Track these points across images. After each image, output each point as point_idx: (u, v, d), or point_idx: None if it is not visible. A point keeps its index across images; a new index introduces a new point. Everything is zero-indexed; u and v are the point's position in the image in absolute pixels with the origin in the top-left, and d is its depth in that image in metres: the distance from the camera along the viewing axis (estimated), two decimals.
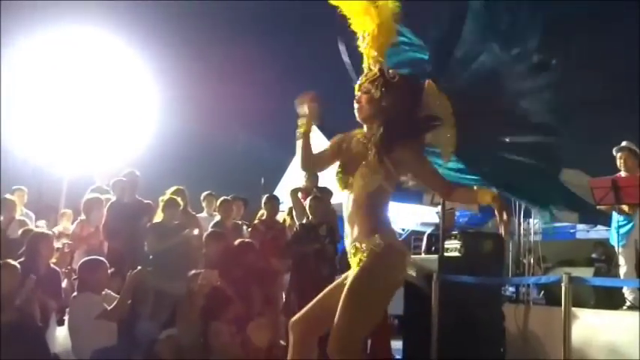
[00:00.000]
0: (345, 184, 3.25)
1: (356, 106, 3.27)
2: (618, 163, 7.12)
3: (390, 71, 3.23)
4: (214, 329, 5.63)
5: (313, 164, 3.50)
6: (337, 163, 3.35)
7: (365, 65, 3.33)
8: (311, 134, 3.42)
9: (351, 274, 3.19)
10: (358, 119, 3.31)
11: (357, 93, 3.28)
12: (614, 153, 7.20)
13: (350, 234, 3.24)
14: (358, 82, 3.30)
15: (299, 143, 3.42)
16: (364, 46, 3.30)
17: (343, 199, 3.31)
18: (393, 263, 3.17)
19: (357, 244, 3.17)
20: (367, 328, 3.26)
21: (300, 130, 3.38)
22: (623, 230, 6.98)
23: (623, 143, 7.18)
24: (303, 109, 3.37)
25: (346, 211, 3.27)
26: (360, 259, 3.14)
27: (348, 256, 3.27)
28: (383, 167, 3.16)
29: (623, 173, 7.07)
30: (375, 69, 3.25)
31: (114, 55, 11.88)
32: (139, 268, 5.78)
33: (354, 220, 3.22)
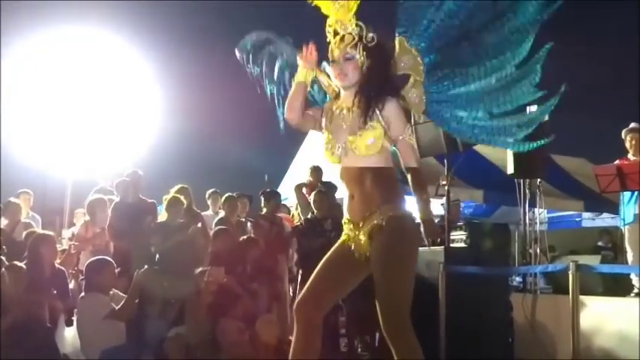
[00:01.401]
0: (340, 155, 3.19)
1: (340, 75, 3.20)
2: (628, 145, 7.09)
3: (369, 35, 3.18)
4: (222, 326, 5.64)
5: (298, 117, 3.27)
6: (325, 136, 3.26)
7: (331, 30, 3.23)
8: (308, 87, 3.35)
9: (362, 246, 3.13)
10: (342, 87, 3.24)
11: (338, 61, 3.19)
12: (622, 135, 7.16)
13: (354, 203, 3.17)
14: (335, 50, 3.20)
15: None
16: (336, 9, 3.18)
17: (343, 169, 3.25)
18: (414, 229, 3.15)
19: (367, 213, 3.11)
20: (410, 300, 3.19)
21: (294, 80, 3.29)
22: (629, 206, 6.95)
23: (633, 125, 7.15)
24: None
25: (348, 181, 3.20)
26: (374, 229, 3.08)
27: (347, 227, 3.21)
28: (379, 125, 3.13)
29: (631, 155, 7.05)
30: (353, 33, 3.17)
31: (116, 55, 11.88)
32: (146, 267, 5.79)
33: (359, 188, 3.15)
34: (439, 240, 3.34)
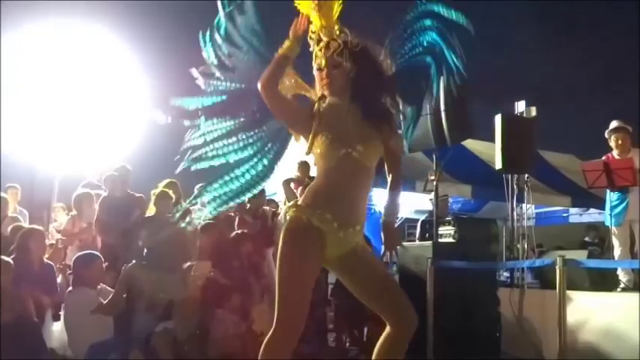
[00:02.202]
0: (341, 158, 3.04)
1: (325, 81, 3.12)
2: (613, 145, 7.12)
3: (354, 41, 3.13)
4: (218, 317, 5.63)
5: (273, 90, 3.08)
6: (326, 136, 3.06)
7: (314, 36, 3.16)
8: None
9: (343, 247, 3.04)
10: (327, 93, 3.15)
11: (322, 68, 3.12)
12: (606, 135, 7.20)
13: (354, 212, 3.07)
14: (320, 57, 3.13)
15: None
16: (315, 14, 3.12)
17: (343, 172, 3.05)
18: None
19: (361, 217, 3.09)
20: None
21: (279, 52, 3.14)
22: (617, 210, 7.00)
23: (615, 124, 7.18)
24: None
25: (352, 185, 3.06)
26: (356, 247, 3.08)
27: (331, 227, 2.99)
28: (380, 138, 3.11)
29: (616, 153, 7.08)
30: (338, 40, 3.11)
31: (105, 50, 11.78)
32: (133, 262, 5.77)
33: (360, 197, 3.11)
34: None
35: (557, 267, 5.06)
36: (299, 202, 3.05)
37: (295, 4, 3.17)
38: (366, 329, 7.07)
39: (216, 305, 5.73)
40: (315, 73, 3.19)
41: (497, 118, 7.35)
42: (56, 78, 11.35)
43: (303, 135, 3.17)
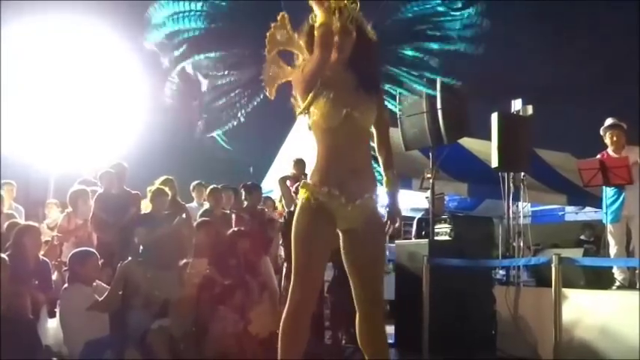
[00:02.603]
0: (347, 115, 3.08)
1: (338, 48, 3.14)
2: (608, 142, 7.14)
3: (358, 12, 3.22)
4: (219, 315, 5.63)
5: (329, 57, 3.07)
6: (328, 97, 3.08)
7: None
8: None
9: (351, 221, 3.08)
10: (334, 57, 3.13)
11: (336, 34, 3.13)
12: (601, 132, 7.21)
13: (360, 181, 3.09)
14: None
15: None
16: None
17: (344, 135, 3.08)
18: None
19: (365, 191, 3.10)
20: None
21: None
22: (613, 207, 7.00)
23: (610, 121, 7.19)
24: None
25: (355, 150, 3.10)
26: (369, 218, 3.10)
27: (335, 200, 3.04)
28: (374, 104, 3.19)
29: (611, 150, 7.10)
30: (349, 8, 3.16)
31: (101, 47, 11.75)
32: (129, 259, 5.76)
33: (364, 163, 3.15)
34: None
35: (552, 265, 5.08)
36: (307, 181, 3.13)
37: None
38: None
39: (212, 303, 5.73)
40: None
41: (494, 117, 7.36)
42: (53, 76, 11.32)
43: (302, 95, 3.14)
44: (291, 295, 3.04)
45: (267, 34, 3.38)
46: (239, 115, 3.47)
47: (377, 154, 3.32)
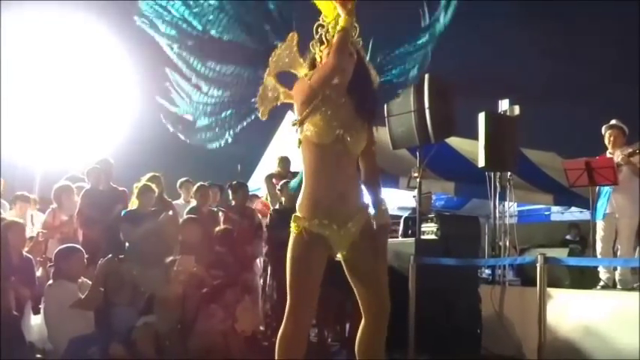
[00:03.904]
0: (339, 136, 3.09)
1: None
2: (607, 141, 7.19)
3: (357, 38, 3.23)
4: (208, 312, 5.62)
5: (341, 64, 3.06)
6: (325, 113, 3.08)
7: (326, 23, 3.16)
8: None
9: (344, 244, 3.11)
10: (337, 79, 3.11)
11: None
12: (602, 131, 7.26)
13: (349, 205, 3.11)
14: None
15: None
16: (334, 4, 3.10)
17: (333, 158, 3.08)
18: None
19: (356, 212, 3.13)
20: None
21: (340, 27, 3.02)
22: (599, 203, 7.04)
23: (613, 121, 7.25)
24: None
25: (342, 176, 3.10)
26: (365, 227, 3.14)
27: (326, 227, 3.05)
28: (365, 133, 3.19)
29: (610, 151, 7.15)
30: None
31: (90, 42, 11.67)
32: (109, 256, 5.72)
33: (351, 187, 3.15)
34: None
35: (537, 264, 5.11)
36: (297, 214, 3.11)
37: None
38: (348, 325, 7.08)
39: (201, 300, 5.72)
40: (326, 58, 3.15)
41: (481, 116, 7.39)
42: (39, 72, 11.25)
43: (303, 103, 3.12)
44: (288, 318, 3.04)
45: (273, 53, 3.33)
46: (227, 136, 3.44)
47: (365, 187, 3.30)
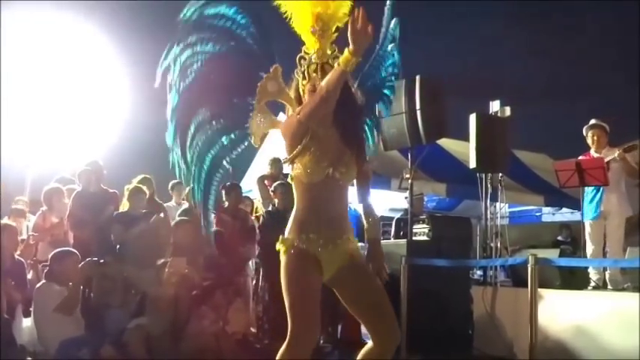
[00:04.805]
0: (328, 175, 3.08)
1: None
2: (590, 141, 7.20)
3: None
4: (200, 313, 5.62)
5: (333, 104, 3.00)
6: (314, 153, 3.06)
7: (307, 57, 3.16)
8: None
9: (335, 263, 3.08)
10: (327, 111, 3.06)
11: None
12: (584, 132, 7.28)
13: (337, 227, 3.11)
14: (316, 79, 3.11)
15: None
16: (313, 38, 3.12)
17: (324, 192, 3.09)
18: None
19: (345, 234, 3.12)
20: None
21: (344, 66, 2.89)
22: (591, 204, 7.05)
23: (593, 121, 7.26)
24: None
25: (333, 205, 3.11)
26: (353, 253, 3.13)
27: (316, 244, 3.04)
28: (355, 163, 3.17)
29: (593, 151, 7.17)
30: (331, 63, 3.09)
31: (81, 43, 11.63)
32: (88, 259, 5.70)
33: (341, 212, 3.15)
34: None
35: (529, 265, 5.13)
36: (285, 237, 3.09)
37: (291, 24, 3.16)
38: (340, 327, 7.09)
39: (193, 302, 5.72)
40: (309, 94, 3.12)
41: (472, 118, 7.41)
42: (30, 72, 11.20)
43: (292, 141, 3.09)
44: (291, 344, 2.95)
45: (259, 84, 3.30)
46: (223, 162, 3.41)
47: (356, 194, 3.31)
